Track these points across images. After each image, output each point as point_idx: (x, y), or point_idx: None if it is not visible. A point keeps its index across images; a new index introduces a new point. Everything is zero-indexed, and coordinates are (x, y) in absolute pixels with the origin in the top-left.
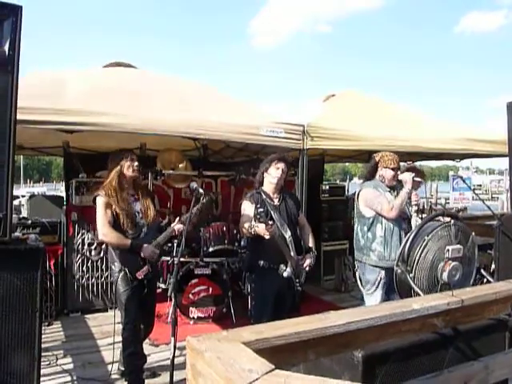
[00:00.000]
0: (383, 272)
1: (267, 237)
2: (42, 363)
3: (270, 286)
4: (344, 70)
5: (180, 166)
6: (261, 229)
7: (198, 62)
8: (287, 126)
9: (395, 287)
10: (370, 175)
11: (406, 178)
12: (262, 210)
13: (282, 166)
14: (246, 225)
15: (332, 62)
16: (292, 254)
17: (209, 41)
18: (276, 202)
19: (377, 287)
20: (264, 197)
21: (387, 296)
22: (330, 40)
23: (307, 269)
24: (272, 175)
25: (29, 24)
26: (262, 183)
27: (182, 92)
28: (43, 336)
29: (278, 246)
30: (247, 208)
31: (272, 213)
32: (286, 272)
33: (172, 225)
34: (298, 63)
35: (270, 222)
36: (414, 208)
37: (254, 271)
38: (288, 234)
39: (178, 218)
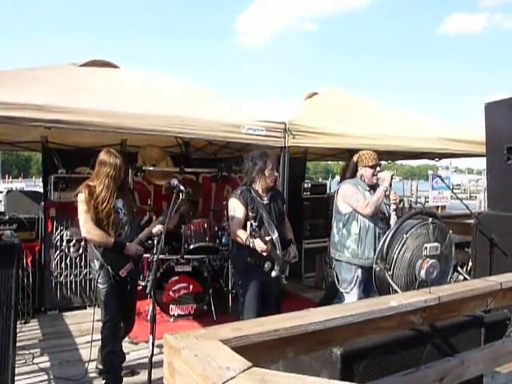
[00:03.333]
0: (359, 270)
1: (264, 254)
2: (17, 362)
3: (257, 282)
4: (330, 67)
5: (161, 162)
6: (258, 245)
7: (185, 60)
8: (269, 124)
9: (374, 284)
10: (351, 176)
11: (385, 175)
12: (256, 224)
13: (275, 171)
14: (241, 234)
15: (318, 60)
16: (278, 252)
17: (196, 38)
18: (265, 200)
19: (354, 285)
20: (254, 195)
21: (365, 295)
22: (316, 38)
23: (293, 261)
24: (268, 180)
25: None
26: (253, 180)
27: (163, 89)
28: (20, 334)
29: None
30: (237, 208)
31: (261, 212)
32: (274, 271)
33: (150, 226)
34: (284, 61)
35: (267, 238)
36: (393, 207)
37: (242, 268)
38: (275, 235)
39: (154, 218)
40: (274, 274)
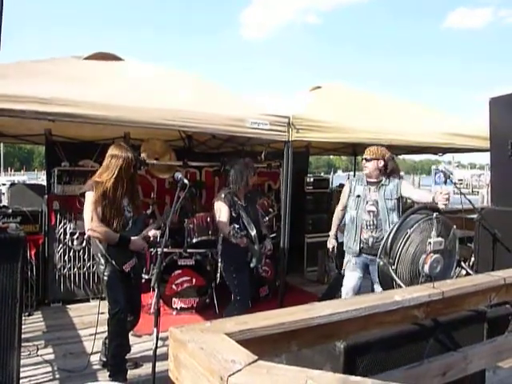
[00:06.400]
0: (351, 256)
1: (242, 245)
2: (22, 354)
3: (246, 270)
4: (334, 61)
5: (164, 156)
6: (238, 242)
7: (188, 52)
8: (272, 118)
9: (378, 279)
10: (390, 172)
11: (440, 195)
12: (237, 226)
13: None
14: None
15: (322, 54)
16: (256, 247)
17: (199, 31)
18: (243, 202)
19: (345, 267)
20: (235, 198)
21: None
22: (321, 31)
23: (269, 252)
24: (249, 186)
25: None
26: (239, 188)
27: (166, 82)
28: (24, 326)
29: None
30: (223, 210)
31: (241, 213)
32: (252, 263)
33: (145, 230)
34: (288, 54)
35: (244, 239)
36: (442, 207)
37: (233, 262)
38: (253, 232)
39: (151, 221)
40: (252, 265)
